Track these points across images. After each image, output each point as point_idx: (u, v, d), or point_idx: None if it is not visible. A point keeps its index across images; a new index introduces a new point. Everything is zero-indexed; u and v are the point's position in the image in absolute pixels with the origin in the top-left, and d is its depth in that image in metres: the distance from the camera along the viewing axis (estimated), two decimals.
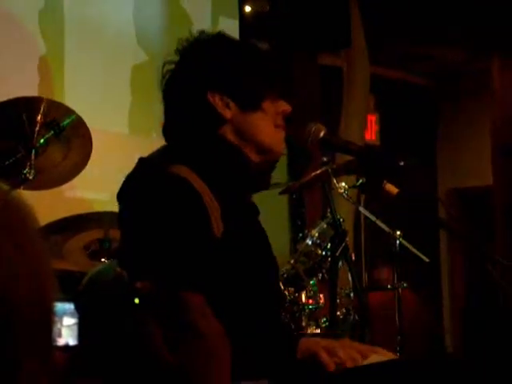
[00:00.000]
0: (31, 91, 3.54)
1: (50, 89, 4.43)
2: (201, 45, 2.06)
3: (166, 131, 2.06)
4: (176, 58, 2.06)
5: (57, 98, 3.98)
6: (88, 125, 3.45)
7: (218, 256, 1.82)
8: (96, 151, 3.53)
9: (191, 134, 2.00)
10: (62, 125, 3.32)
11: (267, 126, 2.02)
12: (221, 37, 2.11)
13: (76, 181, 3.62)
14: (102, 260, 3.36)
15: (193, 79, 2.02)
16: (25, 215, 0.86)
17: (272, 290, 2.06)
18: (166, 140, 2.05)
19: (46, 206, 3.86)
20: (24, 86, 4.21)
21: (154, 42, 5.17)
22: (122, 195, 1.93)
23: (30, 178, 3.24)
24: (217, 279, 1.78)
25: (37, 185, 3.39)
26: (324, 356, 1.71)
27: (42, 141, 3.30)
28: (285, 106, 2.05)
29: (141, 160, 1.96)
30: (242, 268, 1.90)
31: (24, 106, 3.27)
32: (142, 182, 1.91)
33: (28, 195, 3.45)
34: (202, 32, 2.07)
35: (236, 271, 1.87)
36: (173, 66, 2.05)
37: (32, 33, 4.53)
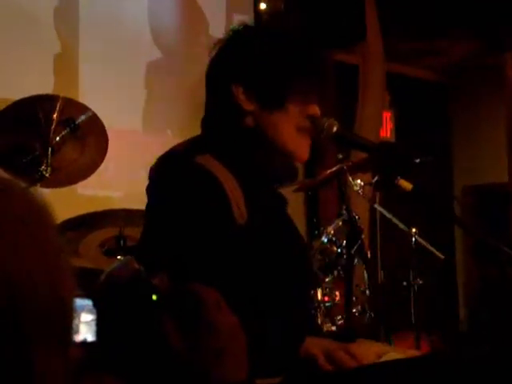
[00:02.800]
0: (46, 89, 3.55)
1: (64, 86, 4.44)
2: (237, 35, 2.03)
3: (202, 119, 2.06)
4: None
5: (71, 96, 3.98)
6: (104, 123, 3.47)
7: (240, 243, 1.81)
8: (110, 149, 3.54)
9: (218, 123, 2.00)
10: (77, 122, 3.34)
11: (288, 128, 1.97)
12: (261, 29, 2.07)
13: (91, 178, 3.63)
14: (118, 257, 3.37)
15: (220, 68, 2.01)
16: (43, 211, 0.86)
17: (299, 276, 2.04)
18: (201, 128, 2.05)
19: (62, 203, 3.88)
20: (39, 84, 4.23)
21: (169, 40, 5.17)
22: (149, 186, 1.94)
23: (47, 175, 3.25)
24: (237, 270, 1.78)
25: (53, 182, 3.41)
26: (321, 359, 1.71)
27: (58, 138, 3.31)
28: (313, 110, 1.98)
29: (169, 151, 1.96)
30: (268, 255, 1.89)
31: (40, 104, 3.28)
32: (166, 173, 1.92)
33: (44, 193, 3.46)
34: (244, 24, 2.04)
35: (261, 258, 1.87)
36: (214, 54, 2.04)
37: (47, 31, 4.54)
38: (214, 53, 2.04)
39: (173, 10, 5.24)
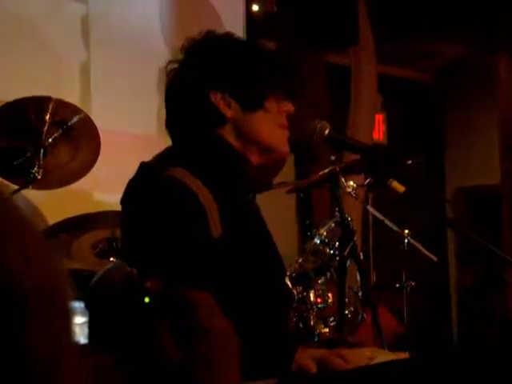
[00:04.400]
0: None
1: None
2: (205, 44, 2.05)
3: (169, 130, 2.07)
4: (181, 56, 2.06)
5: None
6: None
7: (217, 257, 1.82)
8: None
9: (191, 134, 2.00)
10: (70, 124, 3.33)
11: (269, 125, 2.01)
12: (225, 36, 2.10)
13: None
14: (110, 259, 3.37)
15: (195, 78, 2.01)
16: (27, 217, 0.86)
17: (277, 290, 2.05)
18: (170, 137, 2.06)
19: (54, 205, 3.87)
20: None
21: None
22: (123, 200, 1.94)
23: (39, 177, 3.24)
24: (217, 280, 1.78)
25: (45, 184, 3.40)
26: (313, 369, 1.72)
27: (50, 140, 3.30)
28: (288, 106, 2.04)
29: (141, 164, 1.97)
30: (244, 268, 1.89)
31: (32, 106, 3.27)
32: (140, 186, 1.92)
33: (36, 195, 3.46)
34: (208, 31, 2.07)
35: (237, 272, 1.87)
36: (177, 65, 2.06)
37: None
38: (175, 65, 2.06)
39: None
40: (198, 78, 2.01)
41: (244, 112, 1.99)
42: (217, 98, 1.97)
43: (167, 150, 2.03)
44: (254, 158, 2.01)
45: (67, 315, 0.83)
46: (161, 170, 1.88)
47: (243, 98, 1.99)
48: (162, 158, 1.98)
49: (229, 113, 1.98)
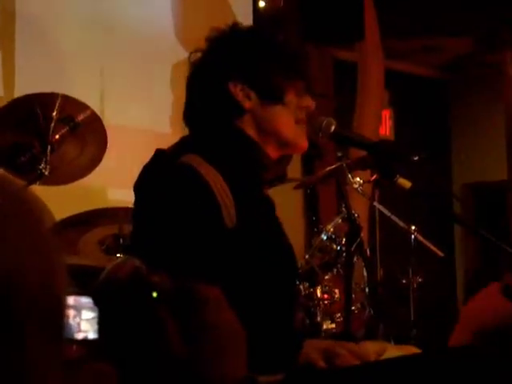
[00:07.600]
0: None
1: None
2: (227, 35, 2.05)
3: (187, 120, 2.07)
4: (204, 46, 2.07)
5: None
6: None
7: (229, 246, 1.81)
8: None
9: (209, 123, 2.00)
10: (77, 120, 3.34)
11: (288, 119, 2.00)
12: (249, 28, 2.12)
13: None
14: (117, 255, 3.37)
15: (215, 67, 2.02)
16: (37, 210, 0.86)
17: (287, 285, 2.05)
18: (188, 128, 2.06)
19: (61, 201, 3.87)
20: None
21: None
22: (136, 186, 1.94)
23: (46, 173, 3.25)
24: (228, 270, 1.78)
25: (52, 180, 3.41)
26: (320, 363, 1.71)
27: (57, 137, 3.31)
28: (308, 102, 2.03)
29: (156, 151, 1.96)
30: (257, 258, 1.89)
31: (39, 102, 3.28)
32: (152, 172, 1.92)
33: (44, 191, 3.46)
34: (234, 23, 2.07)
35: (250, 261, 1.87)
36: (200, 55, 2.06)
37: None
38: (199, 54, 2.06)
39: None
40: (218, 67, 2.01)
41: (263, 104, 1.99)
42: (236, 89, 1.98)
43: (183, 139, 2.03)
44: (272, 151, 2.02)
45: (59, 328, 0.83)
46: (174, 157, 1.88)
47: (262, 90, 1.99)
48: (178, 146, 1.98)
49: (247, 104, 1.98)
